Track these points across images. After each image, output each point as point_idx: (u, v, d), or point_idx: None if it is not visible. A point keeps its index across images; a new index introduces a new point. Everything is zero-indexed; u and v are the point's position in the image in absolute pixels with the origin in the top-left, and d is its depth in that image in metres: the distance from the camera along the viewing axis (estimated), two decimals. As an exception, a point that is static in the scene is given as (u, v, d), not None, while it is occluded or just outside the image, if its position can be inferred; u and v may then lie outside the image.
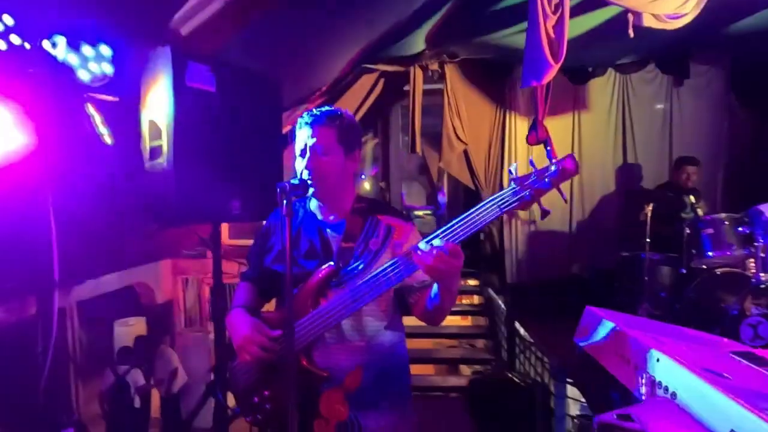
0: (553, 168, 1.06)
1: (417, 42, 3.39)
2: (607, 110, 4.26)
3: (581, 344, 1.16)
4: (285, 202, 1.06)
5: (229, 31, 2.43)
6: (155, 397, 5.45)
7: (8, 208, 1.36)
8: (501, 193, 1.09)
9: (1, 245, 1.34)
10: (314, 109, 1.27)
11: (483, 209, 1.08)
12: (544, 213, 1.09)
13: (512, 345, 4.58)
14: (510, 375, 3.84)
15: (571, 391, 3.17)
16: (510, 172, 1.10)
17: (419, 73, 4.29)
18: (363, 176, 7.77)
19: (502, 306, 4.89)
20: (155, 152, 1.67)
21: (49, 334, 1.39)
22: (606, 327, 1.22)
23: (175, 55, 1.60)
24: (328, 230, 1.31)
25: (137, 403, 4.97)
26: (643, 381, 1.17)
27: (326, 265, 1.24)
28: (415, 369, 5.32)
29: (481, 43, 3.54)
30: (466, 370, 5.67)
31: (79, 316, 7.22)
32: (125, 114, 1.79)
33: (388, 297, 1.29)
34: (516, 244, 4.49)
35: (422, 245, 1.07)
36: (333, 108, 1.29)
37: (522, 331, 4.29)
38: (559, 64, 2.25)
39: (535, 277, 4.46)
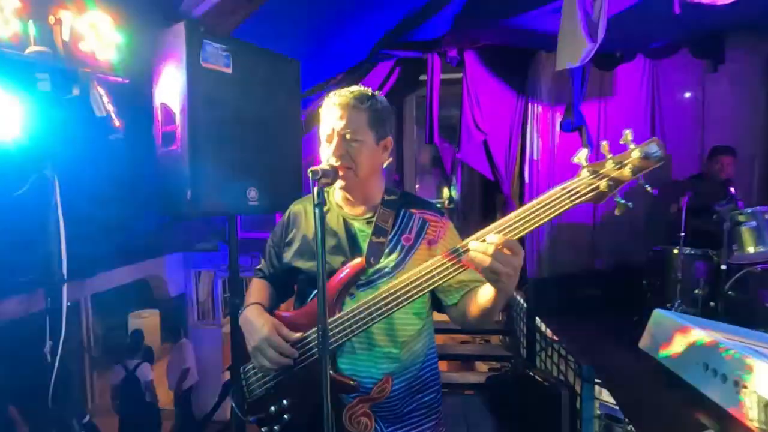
0: (635, 154, 0.90)
1: (438, 26, 3.22)
2: (636, 97, 4.05)
3: (652, 353, 1.00)
4: (317, 189, 0.93)
5: (243, 11, 2.31)
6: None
7: (13, 197, 1.26)
8: (572, 182, 0.94)
9: (6, 238, 1.26)
10: (344, 89, 1.14)
11: (550, 201, 0.93)
12: (623, 207, 0.93)
13: (532, 342, 4.44)
14: (531, 373, 3.71)
15: (598, 392, 3.04)
16: (576, 161, 0.95)
17: (437, 59, 4.14)
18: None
19: (521, 301, 4.75)
20: (168, 138, 1.55)
21: (58, 331, 1.29)
22: (690, 334, 1.04)
23: (189, 32, 1.48)
24: (355, 224, 1.18)
25: (148, 397, 4.96)
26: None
27: (355, 261, 1.11)
28: (431, 365, 5.22)
29: (505, 27, 3.36)
30: (482, 367, 5.55)
31: (93, 308, 7.26)
32: (136, 97, 1.68)
33: (424, 296, 1.16)
34: (537, 238, 4.32)
35: (474, 243, 0.93)
36: (363, 88, 1.15)
37: (543, 327, 4.16)
38: (598, 44, 2.08)
39: (555, 272, 4.30)
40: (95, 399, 6.90)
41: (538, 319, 4.22)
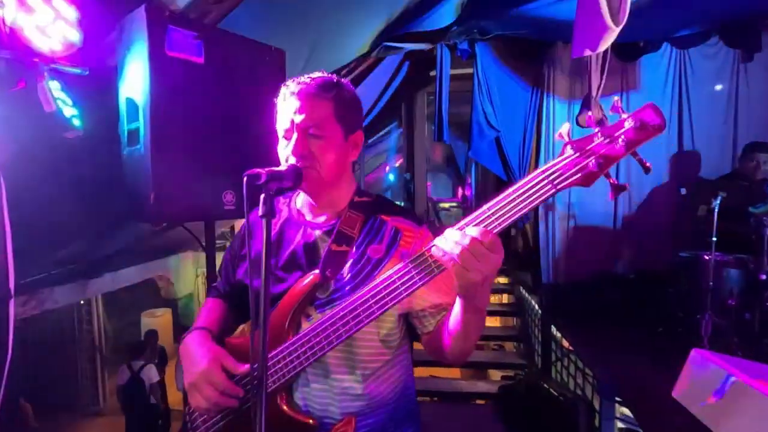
0: (628, 124, 0.75)
1: (444, 16, 3.02)
2: (661, 90, 3.75)
3: (692, 408, 0.79)
4: (262, 198, 0.76)
5: (229, 2, 2.15)
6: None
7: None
8: (553, 162, 0.78)
9: None
10: (304, 76, 0.96)
11: (529, 186, 0.77)
12: (618, 188, 0.78)
13: (547, 351, 4.21)
14: (546, 385, 3.47)
15: (618, 410, 2.81)
16: (558, 137, 0.79)
17: (447, 52, 3.93)
18: (357, 165, 7.37)
19: (536, 307, 4.52)
20: (133, 137, 1.41)
21: (4, 352, 1.15)
22: (749, 395, 0.78)
23: (151, 17, 1.32)
24: (316, 232, 0.99)
25: (153, 398, 4.92)
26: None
27: (310, 274, 0.93)
28: (441, 372, 5.03)
29: (517, 16, 3.13)
30: (495, 374, 5.32)
31: (105, 307, 7.30)
32: (106, 92, 1.53)
33: (392, 319, 0.97)
34: (552, 240, 4.08)
35: (447, 233, 0.77)
36: (326, 74, 0.97)
37: (558, 336, 3.92)
38: (619, 28, 1.85)
39: (573, 277, 4.04)
40: (106, 398, 6.93)
41: (553, 327, 3.99)
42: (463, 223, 0.80)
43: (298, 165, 0.90)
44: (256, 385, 0.70)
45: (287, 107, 0.93)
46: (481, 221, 0.78)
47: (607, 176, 0.78)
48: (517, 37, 3.75)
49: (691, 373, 0.87)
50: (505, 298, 6.20)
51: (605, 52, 2.21)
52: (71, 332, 7.05)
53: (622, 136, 0.76)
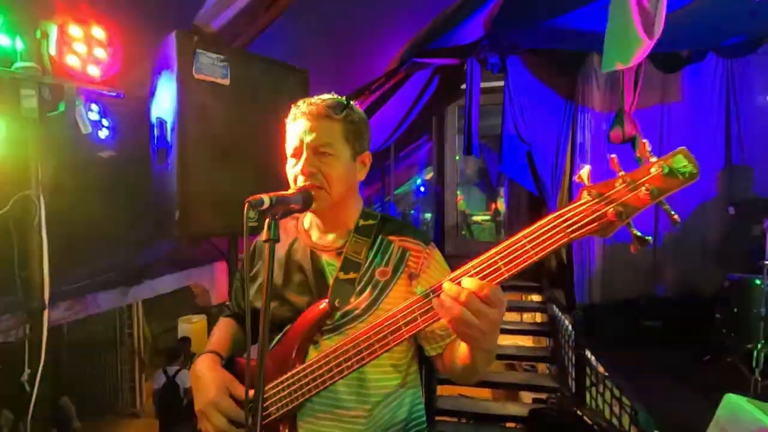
0: (655, 170, 0.66)
1: (472, 30, 3.00)
2: (707, 102, 3.55)
3: None
4: (267, 223, 0.76)
5: (261, 22, 2.23)
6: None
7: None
8: (569, 208, 0.71)
9: None
10: (314, 97, 0.97)
11: (541, 233, 0.71)
12: (640, 241, 0.70)
13: (582, 375, 3.99)
14: (579, 412, 3.29)
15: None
16: (577, 179, 0.72)
17: (477, 65, 3.90)
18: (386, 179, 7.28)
19: (570, 327, 4.31)
20: (161, 156, 1.47)
21: (37, 360, 1.21)
22: None
23: (181, 42, 1.38)
24: (323, 257, 0.99)
25: (187, 402, 5.05)
26: None
27: (322, 304, 0.92)
28: (470, 391, 4.88)
29: (549, 28, 3.07)
30: (526, 396, 5.10)
31: (145, 314, 7.64)
32: (140, 114, 1.61)
33: (402, 348, 0.95)
34: (587, 259, 3.91)
35: (447, 285, 0.73)
36: (336, 96, 0.97)
37: (593, 360, 3.71)
38: (654, 41, 1.76)
39: (609, 298, 3.85)
40: (143, 401, 7.19)
41: (588, 352, 3.79)
42: (467, 267, 0.75)
43: (307, 184, 0.90)
44: (252, 414, 0.69)
45: (296, 127, 0.94)
46: (483, 268, 0.73)
47: (629, 227, 0.70)
48: (551, 49, 3.68)
49: (722, 421, 0.79)
50: (538, 317, 5.97)
51: (639, 65, 2.11)
52: (114, 337, 7.41)
53: (647, 184, 0.67)
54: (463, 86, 4.21)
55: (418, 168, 10.80)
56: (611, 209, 0.69)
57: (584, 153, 3.78)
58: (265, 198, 0.77)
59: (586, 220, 0.70)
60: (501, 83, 4.01)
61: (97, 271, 3.61)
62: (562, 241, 0.70)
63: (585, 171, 0.72)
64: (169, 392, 5.18)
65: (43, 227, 1.27)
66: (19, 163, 1.24)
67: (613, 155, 0.69)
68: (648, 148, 0.70)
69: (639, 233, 0.70)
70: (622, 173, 0.69)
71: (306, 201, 0.89)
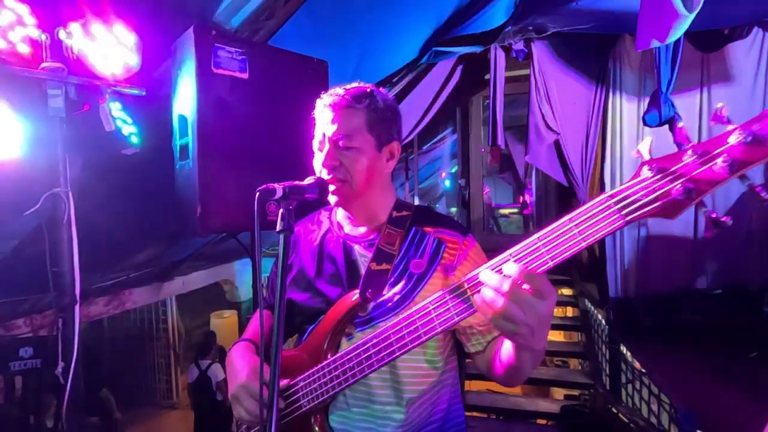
0: (733, 138, 0.56)
1: (496, 15, 2.90)
2: (751, 82, 3.32)
3: None
4: (281, 213, 0.74)
5: (281, 15, 2.22)
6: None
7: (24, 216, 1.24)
8: (625, 186, 0.62)
9: (23, 256, 1.27)
10: (338, 87, 0.94)
11: (591, 214, 0.62)
12: (716, 223, 0.60)
13: (616, 371, 3.85)
14: (614, 410, 3.17)
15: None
16: (635, 155, 0.64)
17: (501, 53, 3.79)
18: (410, 172, 7.15)
19: (603, 322, 4.17)
20: (183, 151, 1.48)
21: (70, 353, 1.25)
22: None
23: (198, 38, 1.38)
24: (356, 248, 0.96)
25: (219, 395, 5.18)
26: None
27: (353, 295, 0.90)
28: (499, 387, 4.78)
29: (577, 9, 2.93)
30: (558, 392, 4.98)
31: (179, 309, 7.91)
32: (162, 110, 1.63)
33: (438, 341, 0.91)
34: (621, 250, 3.74)
35: (486, 274, 0.65)
36: (361, 85, 0.94)
37: (629, 355, 3.57)
38: (694, 14, 1.64)
39: (645, 291, 3.68)
40: (179, 394, 7.45)
41: (622, 346, 3.64)
42: (504, 255, 0.67)
43: (329, 178, 0.89)
44: (267, 407, 0.68)
45: (321, 119, 0.92)
46: (526, 254, 0.64)
47: (700, 206, 0.60)
48: (578, 33, 3.52)
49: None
50: (569, 311, 5.80)
51: (677, 41, 1.98)
52: (150, 331, 7.72)
53: (725, 155, 0.57)
54: (487, 76, 4.11)
55: (442, 161, 10.68)
56: (678, 185, 0.59)
57: (616, 139, 3.61)
58: (278, 188, 0.75)
59: (645, 200, 0.60)
60: (526, 72, 3.88)
61: (129, 267, 3.74)
62: (618, 224, 0.61)
63: (645, 143, 0.63)
64: (202, 385, 5.32)
65: (73, 224, 1.29)
66: (47, 162, 1.27)
67: (682, 123, 0.62)
68: (724, 113, 0.60)
69: (714, 215, 0.60)
70: (691, 144, 0.59)
71: (321, 191, 0.86)
